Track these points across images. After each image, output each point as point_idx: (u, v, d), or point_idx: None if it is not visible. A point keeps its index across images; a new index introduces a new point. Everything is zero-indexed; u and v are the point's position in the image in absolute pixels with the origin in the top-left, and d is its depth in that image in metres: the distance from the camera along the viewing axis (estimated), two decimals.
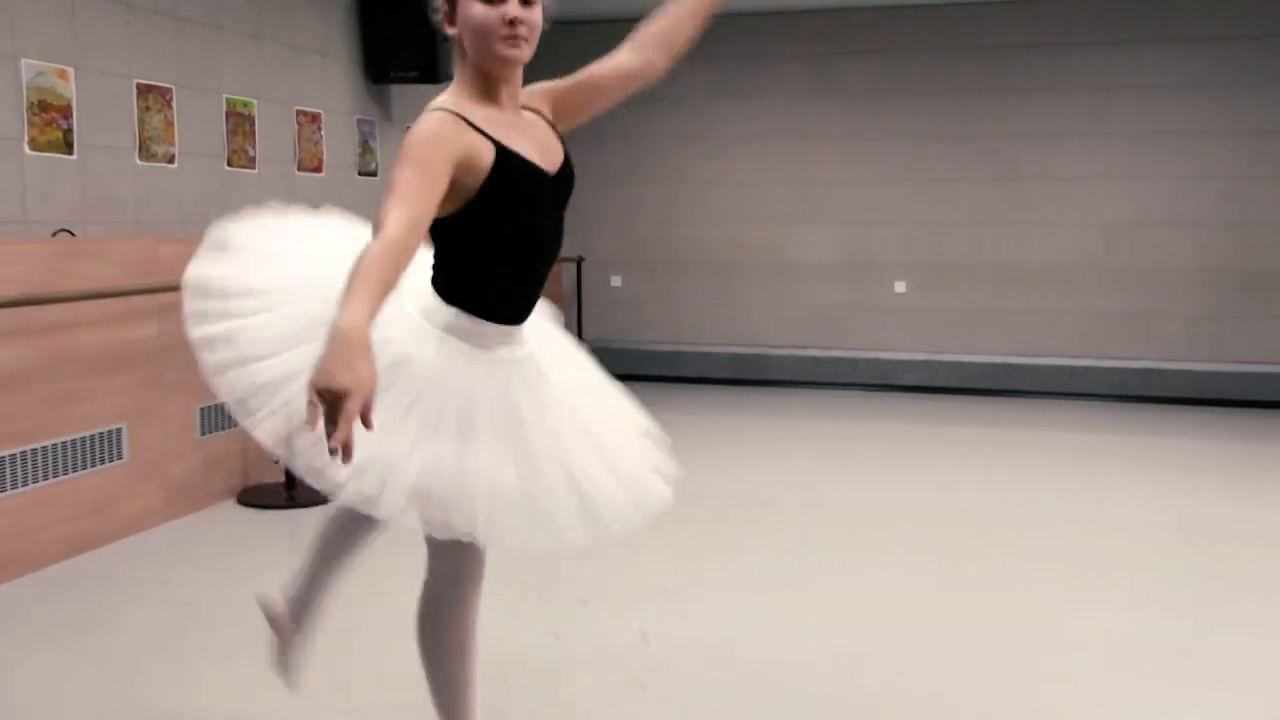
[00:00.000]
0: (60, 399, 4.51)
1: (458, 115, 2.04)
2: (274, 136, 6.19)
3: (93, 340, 4.65)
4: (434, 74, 7.03)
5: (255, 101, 6.01)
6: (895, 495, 5.78)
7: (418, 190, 1.88)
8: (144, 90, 5.21)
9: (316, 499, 5.39)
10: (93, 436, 4.67)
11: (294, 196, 6.35)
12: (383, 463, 2.01)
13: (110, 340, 4.74)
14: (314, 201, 6.69)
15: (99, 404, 4.70)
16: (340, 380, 1.60)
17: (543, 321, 2.41)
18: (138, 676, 3.46)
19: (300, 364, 2.02)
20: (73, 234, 4.79)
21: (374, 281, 1.73)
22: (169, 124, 5.38)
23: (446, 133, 1.99)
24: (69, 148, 4.82)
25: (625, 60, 2.35)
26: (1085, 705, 3.29)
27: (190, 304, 2.25)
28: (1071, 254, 8.54)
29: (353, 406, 1.60)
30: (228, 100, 5.80)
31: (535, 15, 2.09)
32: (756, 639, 3.76)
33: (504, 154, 2.07)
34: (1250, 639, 3.83)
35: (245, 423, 2.11)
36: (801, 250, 9.06)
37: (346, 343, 1.63)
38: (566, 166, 2.25)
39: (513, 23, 2.05)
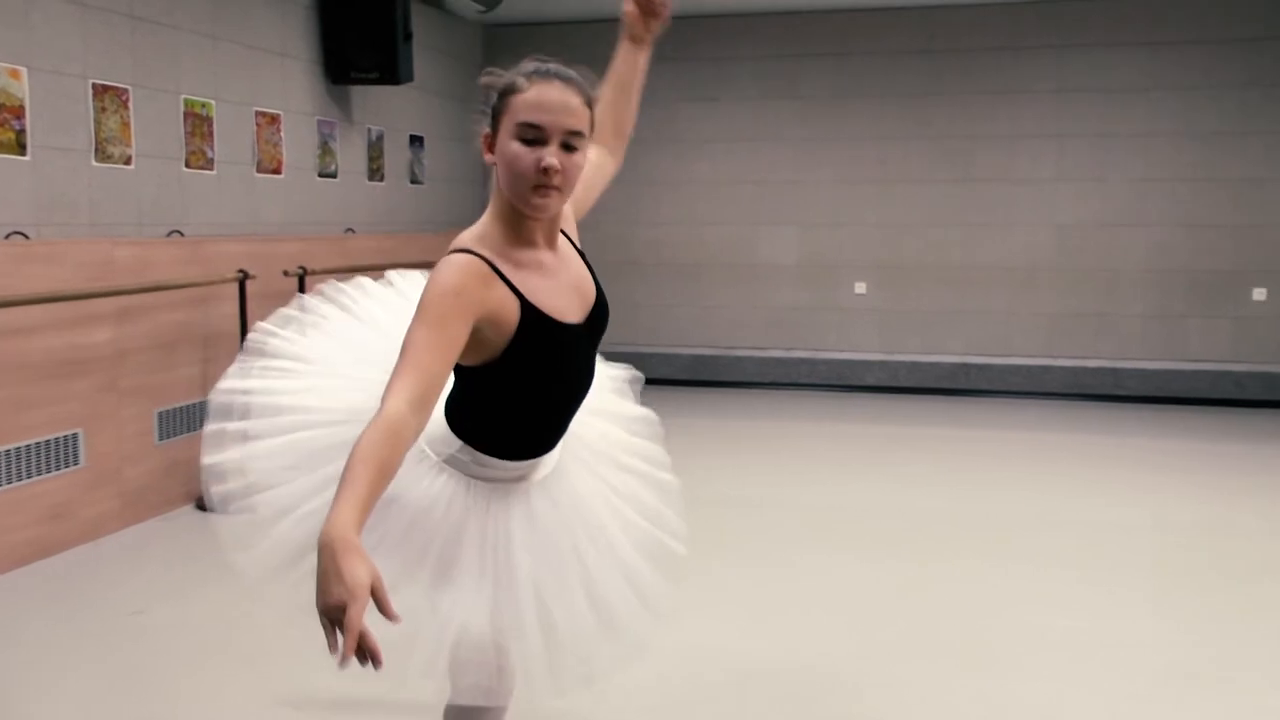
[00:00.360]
0: (14, 404, 4.45)
1: (484, 262, 1.92)
2: (233, 138, 6.14)
3: (47, 344, 4.59)
4: (394, 75, 6.99)
5: (214, 102, 5.95)
6: (857, 495, 5.81)
7: (430, 357, 1.78)
8: (99, 91, 5.15)
9: None
10: (48, 442, 4.61)
11: (254, 198, 6.30)
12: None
13: (65, 344, 4.68)
14: (274, 203, 6.66)
15: (54, 409, 4.64)
16: (335, 595, 1.52)
17: (595, 400, 2.27)
18: (93, 684, 3.42)
19: (295, 498, 1.99)
20: (26, 236, 4.73)
21: (366, 472, 1.64)
22: (125, 125, 5.32)
23: (468, 288, 1.86)
24: (21, 149, 4.75)
25: (602, 159, 2.30)
26: (1048, 700, 3.32)
27: (211, 422, 2.11)
28: (1029, 254, 8.62)
29: (355, 614, 1.51)
30: (185, 101, 5.74)
31: (576, 161, 1.93)
32: (719, 639, 3.76)
33: (530, 313, 1.94)
34: (1212, 632, 3.88)
35: (239, 560, 2.05)
36: (763, 252, 9.09)
37: (331, 552, 1.54)
38: (599, 304, 2.14)
39: (546, 170, 1.89)
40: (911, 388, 8.80)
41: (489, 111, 1.98)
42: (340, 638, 1.52)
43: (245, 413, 2.10)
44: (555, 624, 2.11)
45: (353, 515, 1.59)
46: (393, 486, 1.97)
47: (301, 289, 5.79)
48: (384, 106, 7.72)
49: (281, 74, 6.59)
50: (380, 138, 7.75)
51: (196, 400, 5.44)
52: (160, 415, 5.23)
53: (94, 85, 5.13)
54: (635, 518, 2.32)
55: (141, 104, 5.42)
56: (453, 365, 1.84)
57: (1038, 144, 8.52)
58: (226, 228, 6.04)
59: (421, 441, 2.04)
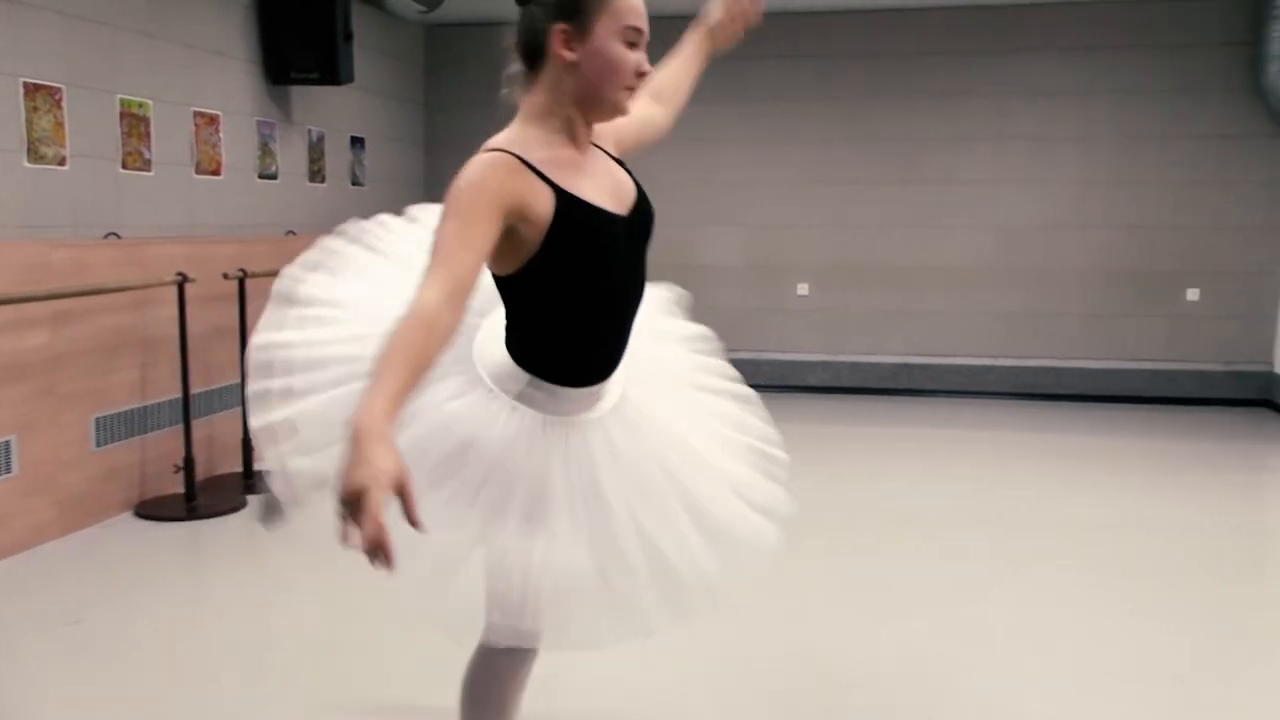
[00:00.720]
0: None
1: (514, 157, 1.87)
2: (171, 138, 6.04)
3: None
4: (334, 75, 6.92)
5: (151, 102, 5.85)
6: (800, 494, 5.82)
7: (459, 249, 1.73)
8: (31, 89, 5.05)
9: (218, 510, 5.28)
10: None
11: (192, 200, 6.21)
12: (442, 560, 1.91)
13: None
14: (213, 205, 6.56)
15: None
16: (356, 478, 1.47)
17: (651, 323, 2.23)
18: (29, 697, 3.35)
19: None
20: None
21: (399, 364, 1.59)
22: (59, 125, 5.22)
23: (495, 178, 1.82)
24: None
25: (654, 112, 2.31)
26: (989, 694, 3.35)
27: (253, 381, 2.01)
28: (971, 255, 8.72)
29: (374, 501, 1.45)
30: (122, 101, 5.64)
31: None
32: (666, 640, 3.76)
33: (565, 200, 1.89)
34: (1150, 627, 3.95)
35: (304, 525, 1.96)
36: (706, 253, 9.11)
37: (360, 438, 1.50)
38: (642, 203, 2.11)
39: (642, 74, 1.95)
40: (853, 388, 8.87)
41: (567, 9, 1.92)
42: (355, 527, 1.46)
43: (287, 368, 2.00)
44: (662, 551, 2.04)
45: (385, 406, 1.55)
46: (469, 429, 1.93)
47: (242, 292, 5.71)
48: (324, 107, 7.65)
49: (220, 74, 6.50)
50: (321, 139, 7.67)
51: (135, 405, 5.35)
52: (98, 421, 5.13)
53: (25, 84, 5.03)
54: (726, 430, 2.27)
55: (75, 103, 5.32)
56: (484, 260, 1.78)
57: (978, 146, 8.62)
58: (164, 230, 5.95)
59: (489, 380, 1.99)
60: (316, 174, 7.63)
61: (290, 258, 2.16)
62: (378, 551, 1.46)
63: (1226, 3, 8.13)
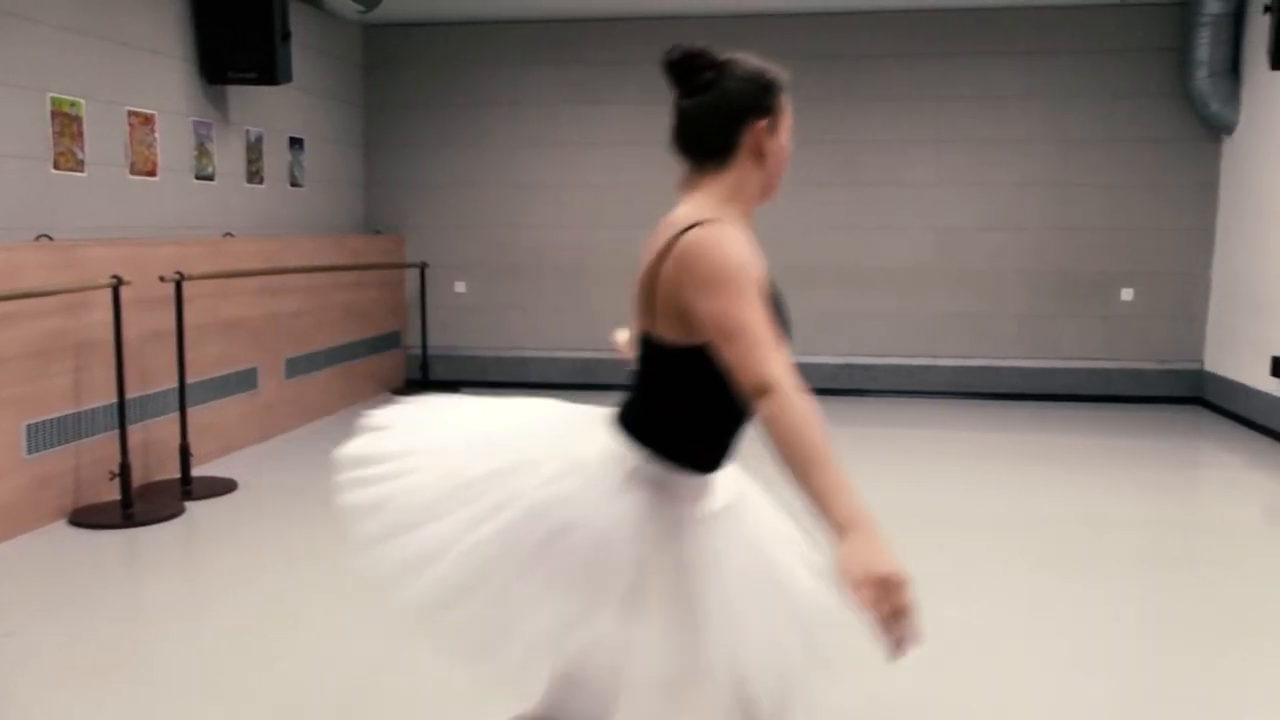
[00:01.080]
0: None
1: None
2: (104, 138, 5.93)
3: None
4: (272, 75, 6.84)
5: (83, 101, 5.75)
6: None
7: (769, 329, 1.77)
8: None
9: (156, 517, 5.20)
10: None
11: (127, 201, 6.10)
12: (536, 644, 1.88)
13: None
14: (148, 206, 6.43)
15: None
16: (881, 567, 1.57)
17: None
18: None
19: (449, 535, 1.91)
20: None
21: (831, 453, 1.70)
22: None
23: (752, 254, 1.87)
24: None
25: None
26: (935, 693, 3.38)
27: (344, 472, 2.07)
28: (911, 256, 8.81)
29: (909, 592, 1.56)
30: (53, 99, 5.53)
31: None
32: None
33: (774, 288, 1.93)
34: (1110, 619, 4.01)
35: (396, 596, 1.94)
36: None
37: (873, 532, 1.60)
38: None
39: None
40: None
41: (768, 107, 2.01)
42: (893, 613, 1.55)
43: (379, 458, 2.06)
44: (752, 659, 1.98)
45: (857, 496, 1.67)
46: (570, 512, 1.91)
47: (179, 295, 5.62)
48: (262, 107, 7.55)
49: (155, 72, 6.40)
50: (259, 139, 7.58)
51: (69, 411, 5.24)
52: (29, 427, 5.02)
53: None
54: (803, 571, 2.21)
55: (4, 102, 5.21)
56: None
57: (919, 149, 8.71)
58: (99, 231, 5.84)
59: (595, 457, 1.97)
60: (255, 175, 7.53)
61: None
62: (910, 636, 1.57)
63: (1157, 9, 8.29)
